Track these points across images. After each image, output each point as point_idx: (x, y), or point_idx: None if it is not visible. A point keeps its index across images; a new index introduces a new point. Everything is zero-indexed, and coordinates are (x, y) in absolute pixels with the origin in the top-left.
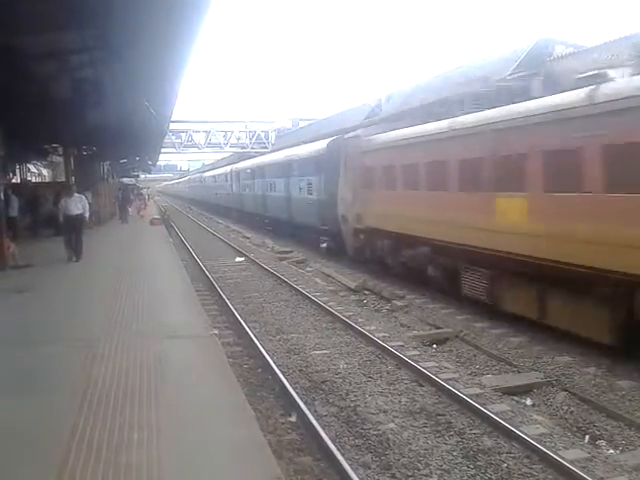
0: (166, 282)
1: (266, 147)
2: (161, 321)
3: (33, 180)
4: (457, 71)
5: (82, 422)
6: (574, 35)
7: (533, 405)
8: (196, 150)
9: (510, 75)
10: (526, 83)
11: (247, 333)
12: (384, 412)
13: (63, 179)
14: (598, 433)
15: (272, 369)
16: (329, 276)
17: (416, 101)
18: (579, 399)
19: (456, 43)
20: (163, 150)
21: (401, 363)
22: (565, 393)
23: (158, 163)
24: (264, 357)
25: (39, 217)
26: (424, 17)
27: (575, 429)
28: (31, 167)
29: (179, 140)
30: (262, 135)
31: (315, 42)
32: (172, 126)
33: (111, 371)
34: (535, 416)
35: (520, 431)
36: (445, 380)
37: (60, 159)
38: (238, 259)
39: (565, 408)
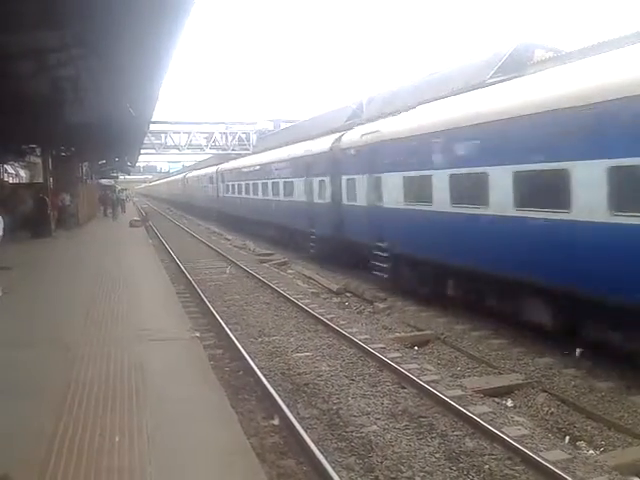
0: (146, 284)
1: (247, 149)
2: (142, 324)
3: (10, 181)
4: (438, 74)
5: (62, 426)
6: (554, 39)
7: (514, 406)
8: (176, 151)
9: (491, 78)
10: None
11: (228, 335)
12: (367, 414)
13: (41, 180)
14: (578, 434)
15: (254, 372)
16: (311, 278)
17: (397, 103)
18: (559, 400)
19: (438, 46)
20: (143, 151)
21: (383, 365)
22: (545, 394)
23: (137, 164)
24: (246, 360)
25: (16, 219)
26: (407, 20)
27: (556, 430)
28: (8, 168)
29: (159, 141)
30: (243, 136)
31: (296, 43)
32: (152, 127)
33: (91, 375)
34: (516, 417)
35: (502, 432)
36: (427, 382)
37: (38, 160)
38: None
39: (546, 409)
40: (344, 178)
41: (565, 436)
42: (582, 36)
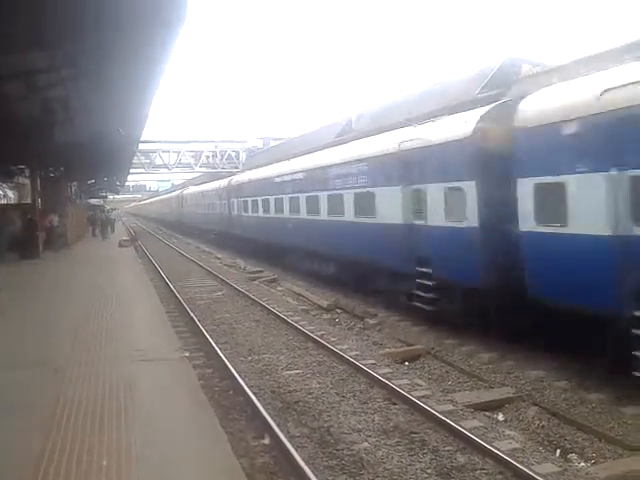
0: (135, 304)
1: (237, 167)
2: (131, 344)
3: None
4: (427, 89)
5: (50, 446)
6: (540, 54)
7: (505, 420)
8: (166, 170)
9: (479, 94)
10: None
11: (218, 354)
12: (358, 431)
13: (29, 201)
14: (569, 447)
15: (244, 390)
16: (300, 295)
17: (385, 119)
18: (550, 413)
19: (428, 62)
20: (132, 170)
21: (374, 381)
22: (536, 408)
23: (126, 184)
24: (235, 379)
25: (4, 240)
26: (395, 37)
27: (547, 443)
28: None
29: (148, 160)
30: (233, 155)
31: (285, 61)
32: (141, 146)
33: (79, 395)
34: (507, 431)
35: (493, 447)
36: (418, 397)
37: (27, 180)
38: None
39: (536, 423)
40: (527, 182)
41: (556, 449)
42: (569, 50)
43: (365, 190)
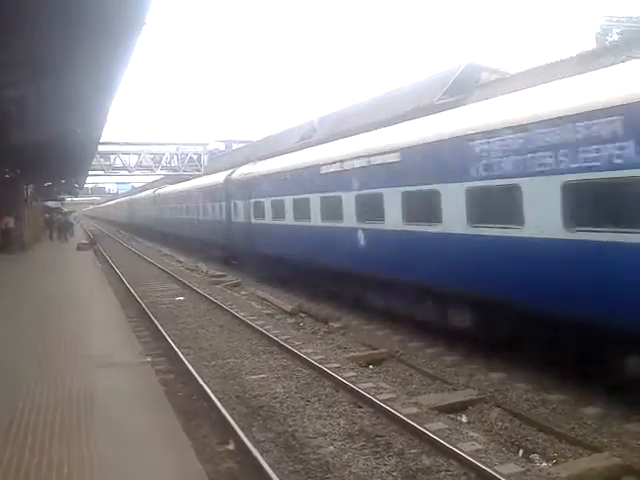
0: (94, 310)
1: (199, 170)
2: (90, 350)
3: None
4: (388, 95)
5: (7, 457)
6: (499, 61)
7: (469, 422)
8: (126, 173)
9: (438, 100)
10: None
11: (181, 359)
12: (323, 435)
13: None
14: (531, 447)
15: (208, 395)
16: (264, 299)
17: (347, 124)
18: (512, 414)
19: (391, 67)
20: (91, 172)
21: (339, 385)
22: (499, 409)
23: (85, 186)
24: (199, 384)
25: None
26: (357, 42)
27: (509, 444)
28: None
29: (108, 162)
30: (194, 157)
31: (246, 63)
32: (101, 148)
33: (38, 404)
34: (471, 433)
35: (457, 448)
36: (383, 401)
37: None
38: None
39: (499, 424)
40: None
41: (519, 449)
42: (527, 58)
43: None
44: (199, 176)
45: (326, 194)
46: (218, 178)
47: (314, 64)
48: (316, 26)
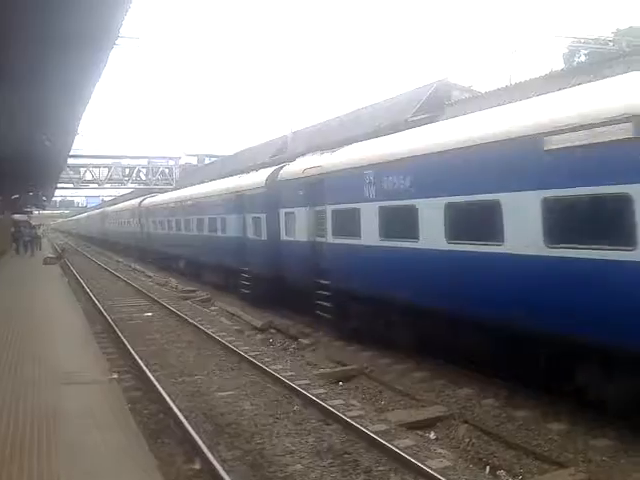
0: (61, 325)
1: (170, 184)
2: (55, 367)
3: None
4: (363, 111)
5: None
6: (471, 81)
7: (437, 439)
8: (96, 186)
9: (412, 117)
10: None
11: (148, 376)
12: (291, 453)
13: None
14: (498, 463)
15: (174, 413)
16: (234, 315)
17: (321, 139)
18: (480, 431)
19: (366, 83)
20: (60, 185)
21: (308, 402)
22: (467, 425)
23: (54, 199)
24: (166, 401)
25: None
26: (333, 58)
27: (477, 460)
28: None
29: (78, 175)
30: (166, 171)
31: (219, 77)
32: (70, 161)
33: None
34: (439, 449)
35: (425, 465)
36: (352, 417)
37: None
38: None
39: (467, 440)
40: None
41: (486, 466)
42: (498, 78)
43: None
44: (173, 189)
45: None
46: (256, 178)
47: (288, 79)
48: (291, 41)
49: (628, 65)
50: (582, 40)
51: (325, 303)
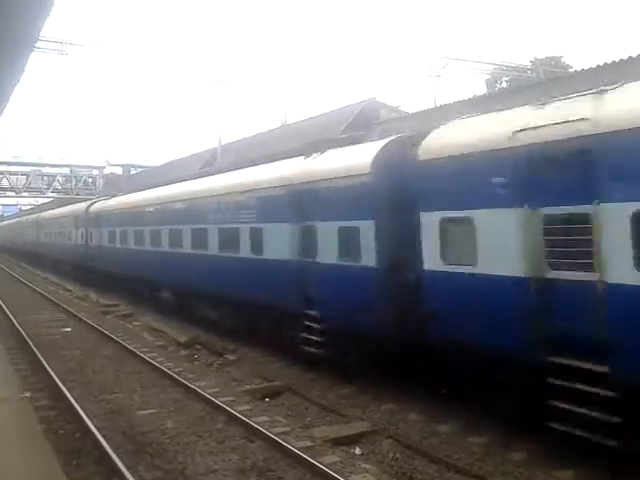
0: None
1: (93, 194)
2: None
3: None
4: (293, 127)
5: None
6: (398, 100)
7: (362, 454)
8: (13, 194)
9: (341, 134)
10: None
11: (64, 394)
12: (213, 472)
13: None
14: (421, 477)
15: (92, 433)
16: (158, 330)
17: (252, 153)
18: (403, 445)
19: (296, 98)
20: None
21: (232, 419)
22: (391, 440)
23: None
24: (83, 420)
25: None
26: (264, 73)
27: (400, 475)
28: None
29: None
30: (89, 181)
31: (147, 85)
32: None
33: None
34: (364, 465)
35: None
36: (276, 434)
37: None
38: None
39: (391, 455)
40: None
41: None
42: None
43: None
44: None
45: None
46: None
47: (216, 90)
48: (222, 50)
49: (544, 92)
50: (503, 67)
51: None
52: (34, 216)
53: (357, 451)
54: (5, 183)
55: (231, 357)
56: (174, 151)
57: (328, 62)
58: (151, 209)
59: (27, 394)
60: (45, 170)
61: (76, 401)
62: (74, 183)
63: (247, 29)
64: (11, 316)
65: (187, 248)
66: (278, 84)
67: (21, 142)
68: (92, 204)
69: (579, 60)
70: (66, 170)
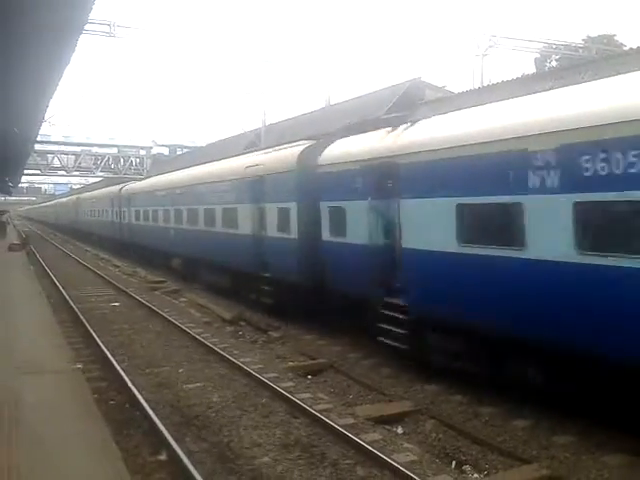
0: (24, 314)
1: (141, 174)
2: (18, 356)
3: None
4: (336, 107)
5: None
6: (444, 81)
7: (404, 433)
8: (64, 173)
9: (385, 114)
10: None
11: (114, 367)
12: (258, 446)
13: None
14: (464, 458)
15: (141, 405)
16: (204, 307)
17: (295, 133)
18: (446, 426)
19: (339, 80)
20: (27, 171)
21: (276, 395)
22: (434, 421)
23: (20, 185)
24: (132, 392)
25: None
26: (307, 53)
27: (443, 455)
28: None
29: (45, 162)
30: (137, 161)
31: (195, 66)
32: (38, 147)
33: None
34: (406, 444)
35: (391, 459)
36: (319, 411)
37: None
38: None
39: (434, 435)
40: None
41: (452, 461)
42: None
43: None
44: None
45: None
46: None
47: (261, 72)
48: (266, 35)
49: (596, 72)
50: (554, 46)
51: None
52: (86, 194)
53: (399, 430)
54: (56, 162)
55: (275, 334)
56: (220, 132)
57: (373, 42)
58: (162, 192)
59: (79, 365)
60: (94, 150)
61: (126, 374)
62: (122, 163)
63: (293, 9)
64: (63, 290)
65: (201, 225)
66: (322, 65)
67: (70, 122)
68: (124, 186)
69: (633, 39)
70: (114, 150)
